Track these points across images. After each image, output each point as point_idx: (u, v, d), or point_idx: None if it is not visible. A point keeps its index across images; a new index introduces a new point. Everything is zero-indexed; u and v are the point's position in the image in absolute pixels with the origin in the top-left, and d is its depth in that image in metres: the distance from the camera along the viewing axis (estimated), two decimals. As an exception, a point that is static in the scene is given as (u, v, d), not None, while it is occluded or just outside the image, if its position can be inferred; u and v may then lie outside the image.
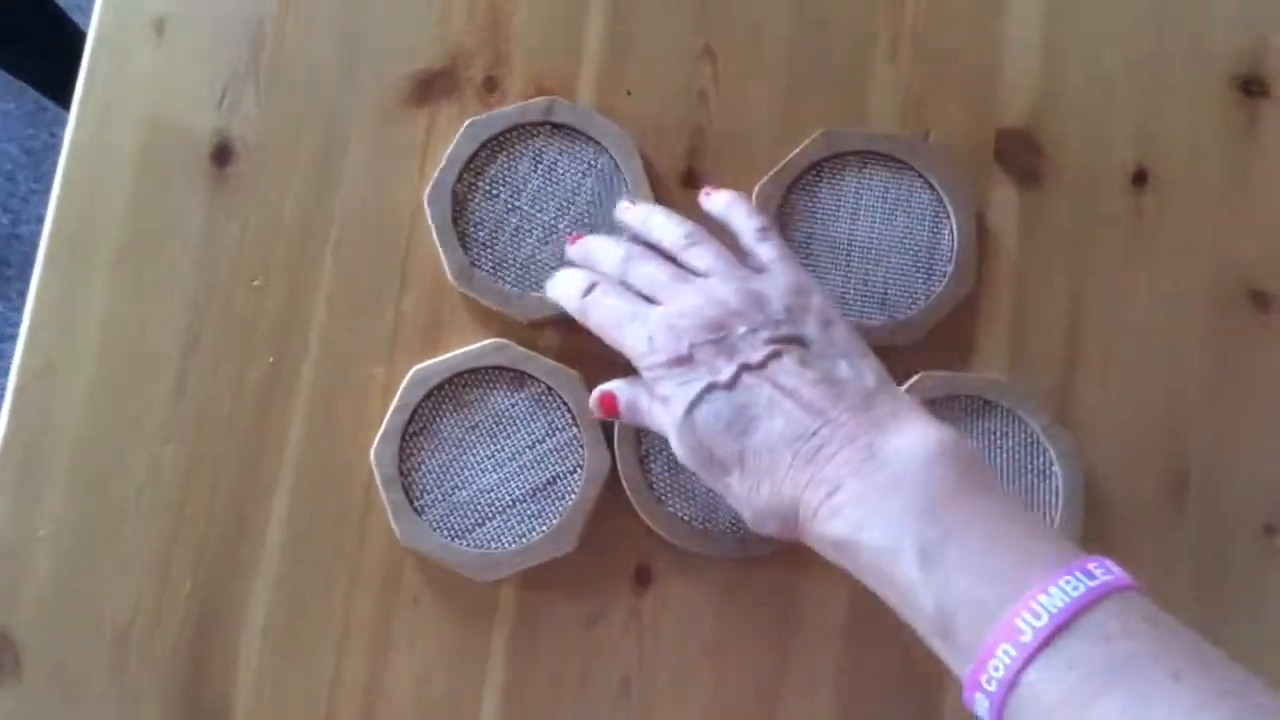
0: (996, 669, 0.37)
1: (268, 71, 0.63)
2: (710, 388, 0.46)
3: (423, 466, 0.58)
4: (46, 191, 1.51)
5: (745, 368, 0.46)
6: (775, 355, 0.46)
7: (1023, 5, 0.64)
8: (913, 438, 0.43)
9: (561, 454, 0.58)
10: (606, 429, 0.58)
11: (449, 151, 0.60)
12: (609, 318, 0.50)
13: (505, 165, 0.61)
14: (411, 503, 0.57)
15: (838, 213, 0.61)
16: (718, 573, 0.59)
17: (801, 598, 0.58)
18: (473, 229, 0.60)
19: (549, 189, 0.60)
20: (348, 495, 0.59)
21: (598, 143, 0.61)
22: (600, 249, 0.54)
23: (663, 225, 0.54)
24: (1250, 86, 0.64)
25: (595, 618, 0.58)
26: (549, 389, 0.58)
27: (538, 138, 0.61)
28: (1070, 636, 0.36)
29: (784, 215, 0.61)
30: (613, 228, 0.59)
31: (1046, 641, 0.36)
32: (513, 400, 0.59)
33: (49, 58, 1.24)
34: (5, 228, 1.51)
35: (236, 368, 0.60)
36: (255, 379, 0.60)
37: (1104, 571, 0.38)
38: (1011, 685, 0.36)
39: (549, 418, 0.58)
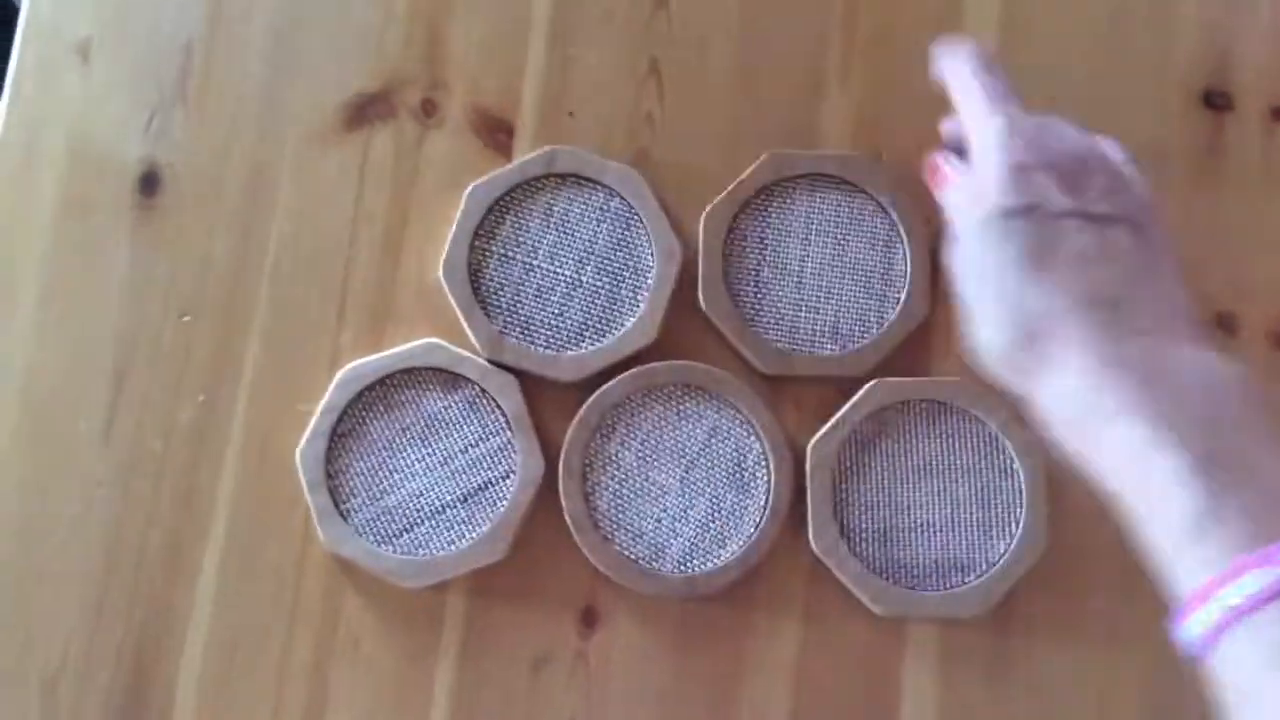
0: (1244, 586, 0.34)
1: (196, 96, 0.61)
2: (1032, 209, 0.41)
3: (350, 469, 0.56)
4: None
5: (1080, 214, 0.42)
6: (1111, 221, 0.42)
7: (977, 20, 0.62)
8: (1217, 357, 0.40)
9: (494, 459, 0.56)
10: (542, 435, 0.56)
11: (455, 222, 0.58)
12: (981, 93, 0.46)
13: (515, 226, 0.58)
14: (338, 506, 0.55)
15: (788, 237, 0.59)
16: (666, 613, 0.57)
17: (751, 636, 0.57)
18: (494, 297, 0.58)
19: (565, 242, 0.58)
20: (284, 536, 0.57)
21: (606, 186, 0.59)
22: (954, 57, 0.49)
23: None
24: (1214, 99, 0.62)
25: (542, 660, 0.56)
26: (483, 391, 0.57)
27: (543, 191, 0.59)
28: None
29: (733, 240, 0.59)
30: (638, 272, 0.58)
31: None
32: (446, 403, 0.57)
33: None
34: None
35: (166, 407, 0.58)
36: (186, 419, 0.58)
37: None
38: (1253, 609, 0.34)
39: (482, 421, 0.57)
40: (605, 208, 0.59)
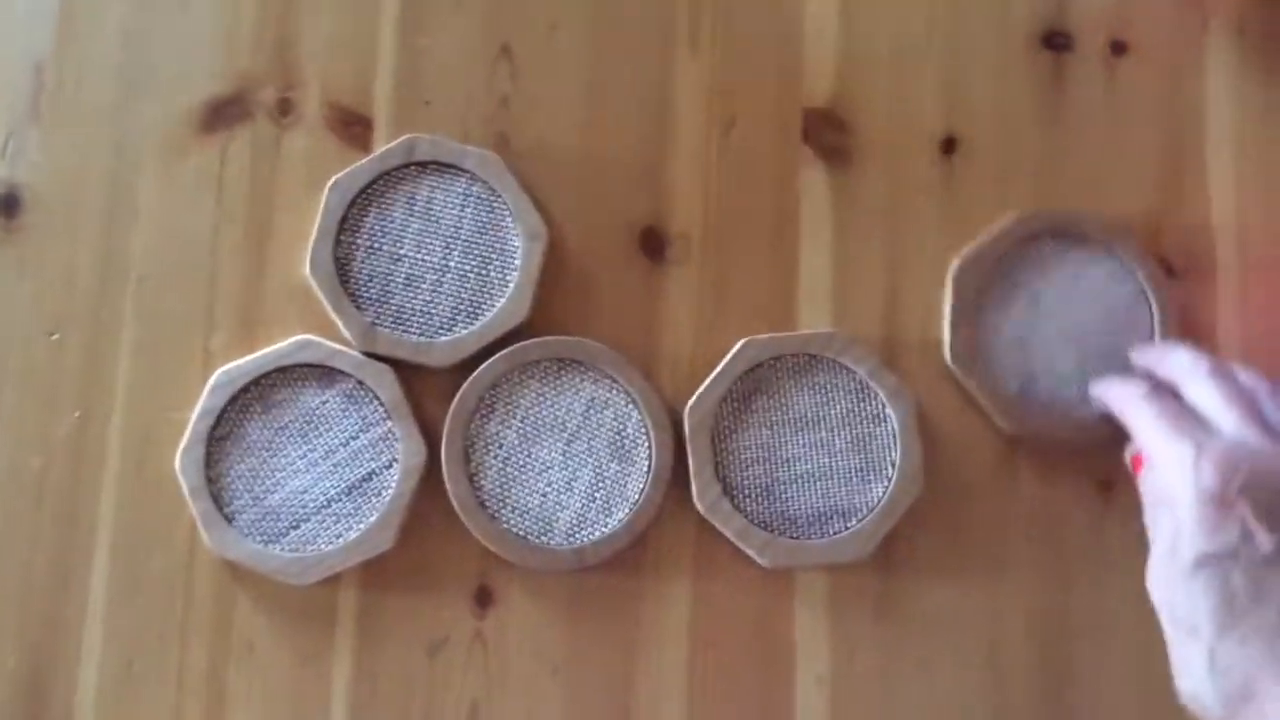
0: None
1: (50, 114, 0.60)
2: (1233, 554, 0.40)
3: (231, 472, 0.56)
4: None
5: None
6: None
7: (816, -25, 0.63)
8: None
9: (376, 449, 0.57)
10: (421, 420, 0.57)
11: (318, 217, 0.58)
12: (1161, 420, 0.45)
13: (379, 217, 0.59)
14: (221, 510, 0.55)
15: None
16: (558, 586, 0.58)
17: (644, 601, 0.58)
18: (363, 289, 0.58)
19: (430, 229, 0.59)
20: (169, 545, 0.57)
21: (467, 171, 0.59)
22: (1173, 355, 0.51)
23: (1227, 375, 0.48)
24: (1054, 40, 0.63)
25: (438, 645, 0.57)
26: (359, 384, 0.57)
27: (405, 181, 0.59)
28: None
29: (596, 215, 0.59)
30: (505, 254, 0.59)
31: None
32: (323, 398, 0.57)
33: None
34: None
35: (42, 425, 0.58)
36: (62, 435, 0.58)
37: None
38: None
39: (361, 414, 0.57)
40: (468, 193, 0.59)
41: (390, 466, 0.57)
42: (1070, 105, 0.63)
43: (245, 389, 0.57)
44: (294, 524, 0.56)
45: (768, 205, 0.61)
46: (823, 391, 0.58)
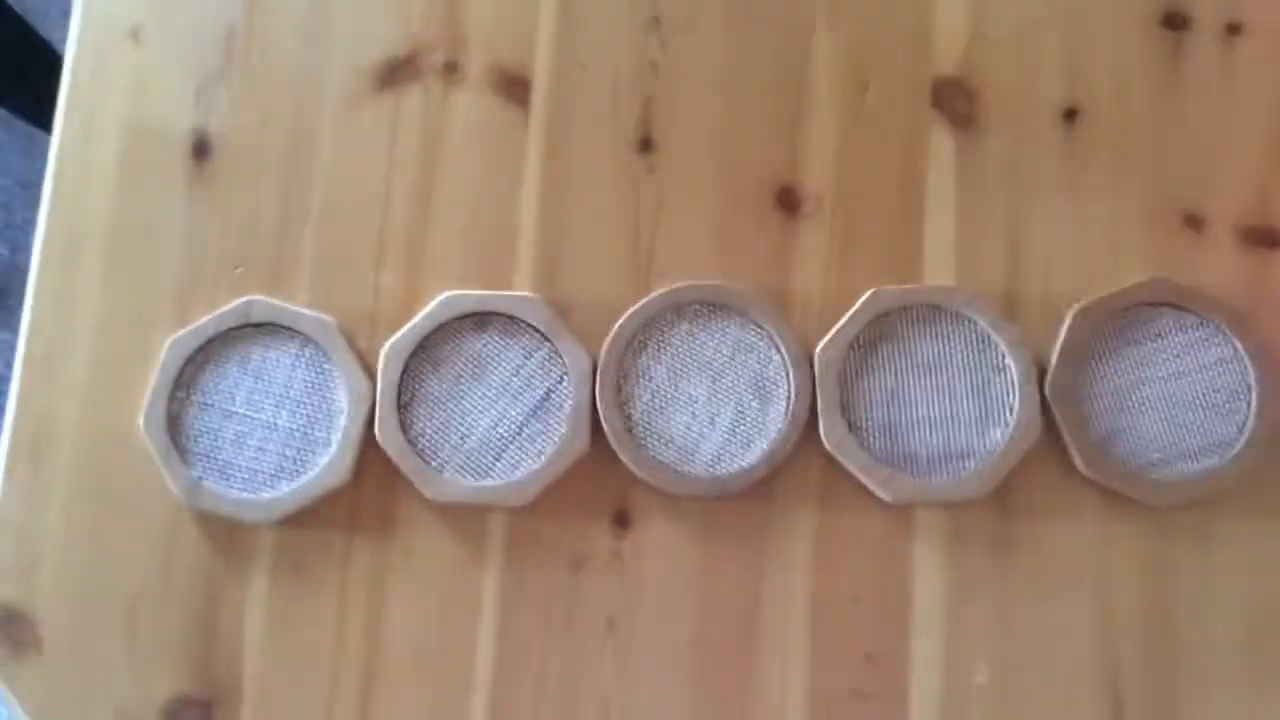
0: None
1: (240, 71, 0.66)
2: None
3: (426, 431, 0.61)
4: (42, 220, 1.53)
5: None
6: None
7: (950, -49, 0.67)
8: None
9: (544, 370, 0.62)
10: (576, 333, 0.62)
11: (155, 374, 0.62)
12: None
13: (214, 374, 0.63)
14: (429, 464, 0.61)
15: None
16: (693, 512, 0.62)
17: (772, 531, 0.62)
18: (193, 444, 0.62)
19: (261, 388, 0.62)
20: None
21: (300, 333, 0.63)
22: None
23: None
24: (1172, 20, 0.67)
25: (579, 562, 0.61)
26: (511, 319, 0.62)
27: (240, 341, 0.63)
28: None
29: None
30: (331, 412, 0.62)
31: None
32: (481, 341, 0.62)
33: (29, 79, 1.25)
34: (4, 258, 1.54)
35: (228, 350, 0.63)
36: (246, 359, 0.63)
37: None
38: None
39: (520, 344, 0.62)
40: (300, 353, 0.64)
41: (562, 380, 0.62)
42: (1186, 81, 0.66)
43: (414, 354, 0.62)
44: (497, 455, 0.61)
45: (897, 166, 0.65)
46: (945, 340, 0.62)
